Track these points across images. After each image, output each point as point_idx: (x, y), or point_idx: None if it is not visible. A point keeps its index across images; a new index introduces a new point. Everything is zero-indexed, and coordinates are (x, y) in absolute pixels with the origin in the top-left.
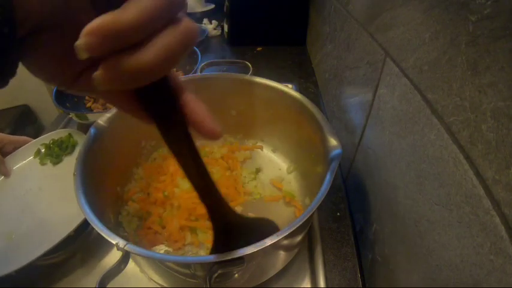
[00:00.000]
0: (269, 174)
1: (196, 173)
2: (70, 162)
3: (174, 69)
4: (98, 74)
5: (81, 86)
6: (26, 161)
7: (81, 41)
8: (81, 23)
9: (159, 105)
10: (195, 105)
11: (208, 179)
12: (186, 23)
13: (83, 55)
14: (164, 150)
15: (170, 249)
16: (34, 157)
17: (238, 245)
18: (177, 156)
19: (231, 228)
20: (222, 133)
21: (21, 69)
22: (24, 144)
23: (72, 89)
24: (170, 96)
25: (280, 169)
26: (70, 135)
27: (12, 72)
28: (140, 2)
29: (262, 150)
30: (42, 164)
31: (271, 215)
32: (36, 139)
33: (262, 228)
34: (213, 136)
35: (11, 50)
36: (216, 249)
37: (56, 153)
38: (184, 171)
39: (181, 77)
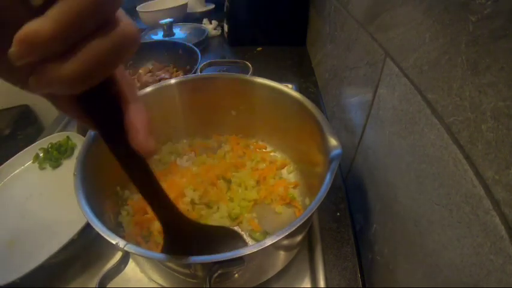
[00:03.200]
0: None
1: (143, 184)
2: (69, 166)
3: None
4: (30, 79)
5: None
6: (24, 166)
7: (12, 49)
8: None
9: (99, 112)
10: (134, 114)
11: (160, 190)
12: (123, 27)
13: (17, 62)
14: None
15: None
16: (33, 162)
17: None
18: (124, 168)
19: (187, 237)
20: (154, 151)
21: None
22: None
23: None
24: (110, 104)
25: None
26: (68, 138)
27: None
28: (62, 8)
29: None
30: (42, 168)
31: (272, 215)
32: (34, 143)
33: (223, 238)
34: (143, 150)
35: None
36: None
37: (54, 157)
38: (135, 185)
39: (181, 77)
